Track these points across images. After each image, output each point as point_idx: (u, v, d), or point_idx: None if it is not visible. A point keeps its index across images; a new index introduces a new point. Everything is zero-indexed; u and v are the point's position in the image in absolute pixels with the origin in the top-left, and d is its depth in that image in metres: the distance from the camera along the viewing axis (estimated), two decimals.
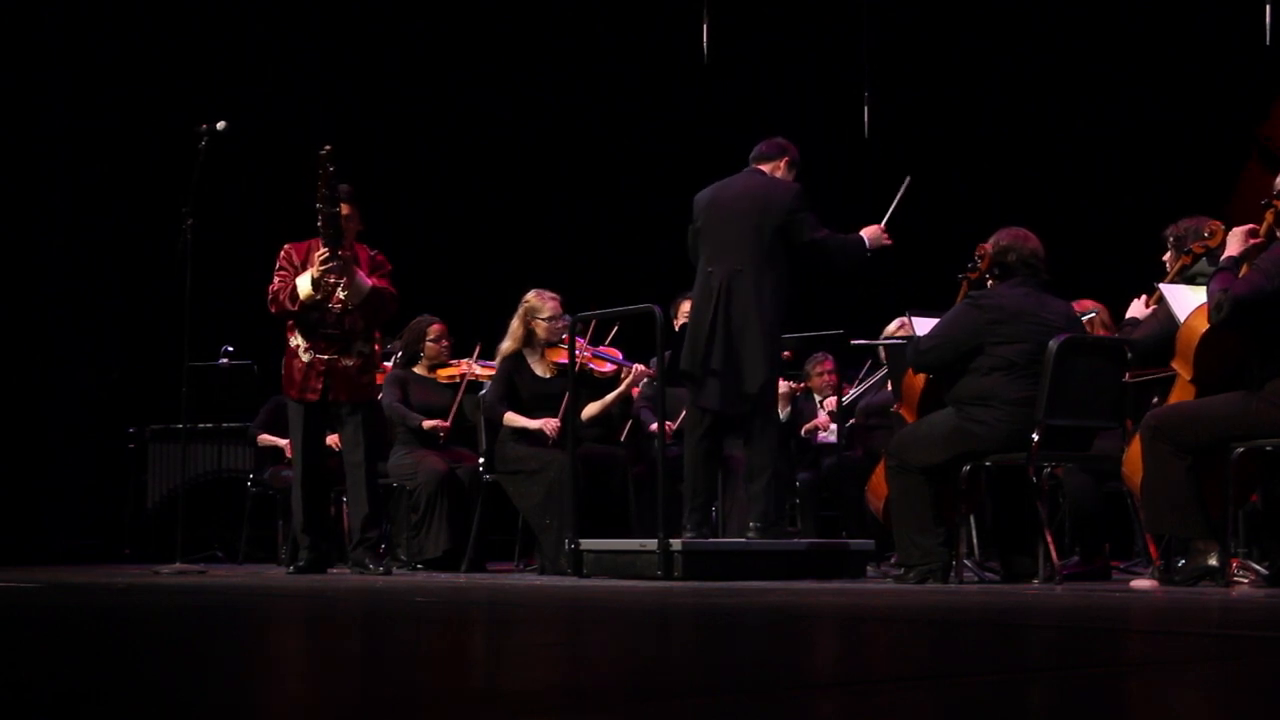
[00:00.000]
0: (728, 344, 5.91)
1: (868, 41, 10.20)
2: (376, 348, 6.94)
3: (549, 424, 6.78)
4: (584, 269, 9.28)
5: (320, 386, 6.49)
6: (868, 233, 6.13)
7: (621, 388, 6.97)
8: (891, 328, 7.18)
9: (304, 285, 6.41)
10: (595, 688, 2.03)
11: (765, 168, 6.17)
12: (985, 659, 2.52)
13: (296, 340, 6.53)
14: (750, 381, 5.89)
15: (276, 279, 6.51)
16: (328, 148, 6.25)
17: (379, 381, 7.01)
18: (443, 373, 7.51)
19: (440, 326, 7.55)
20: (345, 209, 6.40)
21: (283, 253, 6.56)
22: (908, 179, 6.22)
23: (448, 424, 7.33)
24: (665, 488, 5.88)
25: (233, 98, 8.43)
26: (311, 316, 6.48)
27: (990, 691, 1.98)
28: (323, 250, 6.37)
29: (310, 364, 6.50)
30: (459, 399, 7.38)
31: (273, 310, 6.52)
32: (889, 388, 7.19)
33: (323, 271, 6.37)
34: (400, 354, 7.61)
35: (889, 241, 6.14)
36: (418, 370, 7.53)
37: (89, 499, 9.34)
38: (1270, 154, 9.48)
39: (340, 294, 6.45)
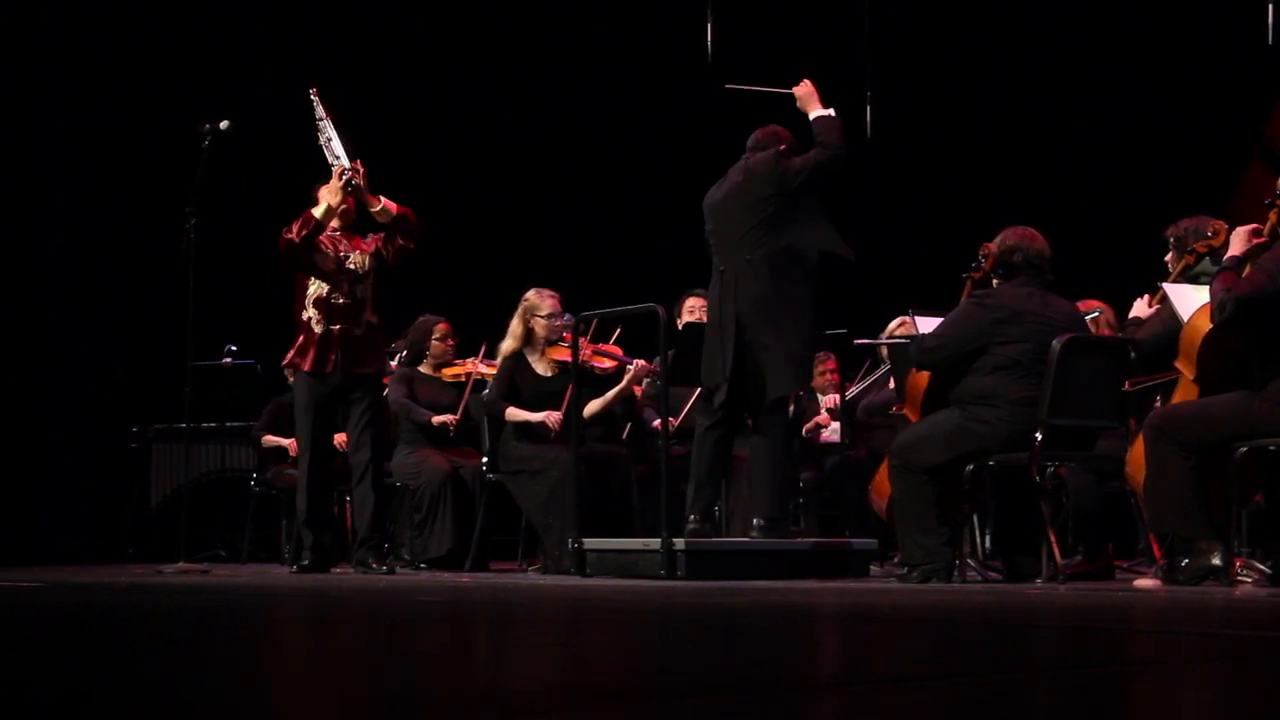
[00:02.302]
0: (755, 336, 5.87)
1: (869, 42, 10.19)
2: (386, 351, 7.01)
3: (551, 416, 6.79)
4: (584, 269, 9.27)
5: (334, 358, 6.53)
6: (807, 105, 6.07)
7: (623, 383, 6.97)
8: (892, 326, 7.18)
9: (321, 208, 6.51)
10: (597, 688, 2.03)
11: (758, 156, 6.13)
12: (988, 659, 2.52)
13: (308, 313, 6.57)
14: (786, 361, 5.87)
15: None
16: (313, 89, 6.52)
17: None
18: (448, 372, 7.51)
19: (446, 326, 7.56)
20: (361, 168, 6.54)
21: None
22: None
23: (457, 418, 7.33)
24: (668, 487, 5.88)
25: (233, 98, 8.42)
26: (325, 288, 6.53)
27: (993, 691, 1.97)
28: (336, 168, 6.49)
29: (324, 335, 6.53)
30: (466, 397, 7.38)
31: (287, 238, 6.48)
32: (889, 386, 7.20)
33: (342, 190, 6.50)
34: (405, 353, 7.61)
35: (810, 83, 6.09)
36: (423, 369, 7.53)
37: (91, 499, 9.34)
38: (1273, 154, 9.47)
39: (352, 264, 6.55)
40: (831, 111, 6.08)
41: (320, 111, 6.56)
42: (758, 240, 5.91)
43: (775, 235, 5.92)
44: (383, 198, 6.61)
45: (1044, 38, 10.10)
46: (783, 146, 6.05)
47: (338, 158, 6.54)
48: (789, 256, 5.93)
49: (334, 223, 6.59)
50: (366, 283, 6.60)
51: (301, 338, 6.59)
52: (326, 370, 6.54)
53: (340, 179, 6.52)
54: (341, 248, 6.59)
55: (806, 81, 6.14)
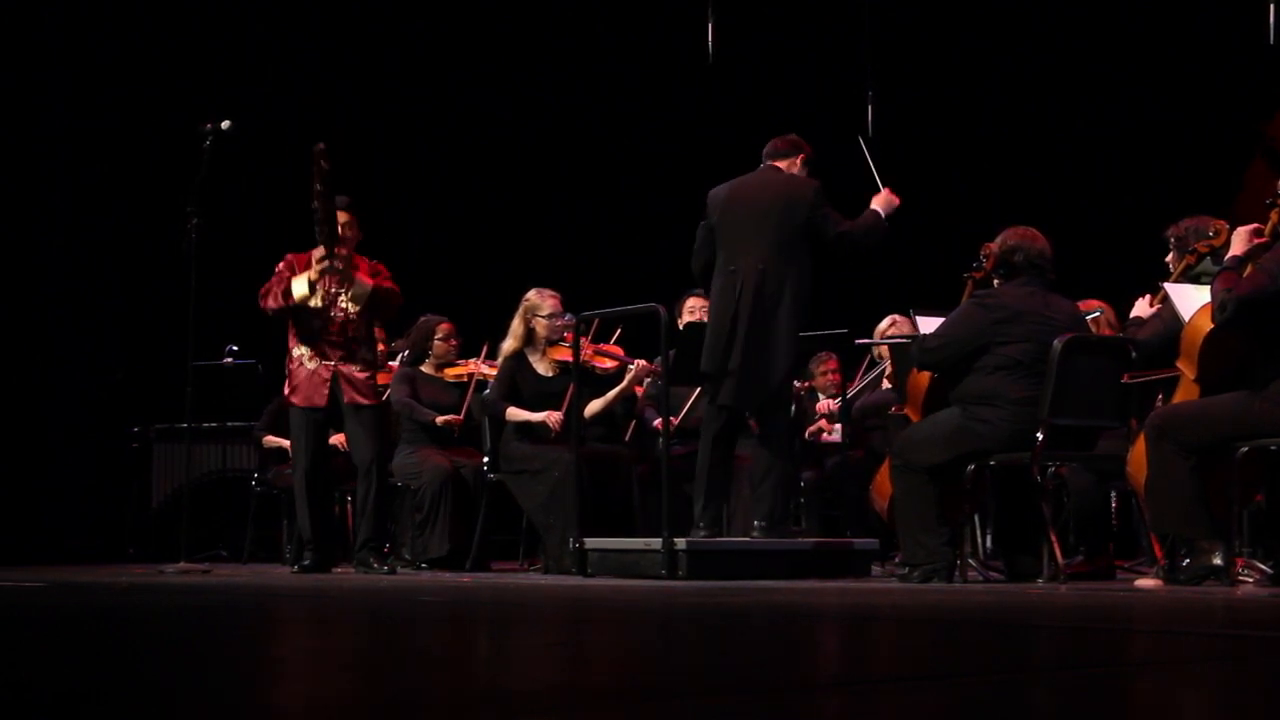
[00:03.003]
0: (750, 340, 5.88)
1: (869, 42, 10.19)
2: (381, 346, 6.98)
3: (552, 416, 6.79)
4: (585, 269, 9.28)
5: (328, 391, 6.51)
6: (878, 202, 6.09)
7: (624, 383, 6.98)
8: (883, 325, 7.18)
9: (299, 287, 6.45)
10: (597, 688, 2.03)
11: (781, 165, 6.14)
12: (989, 659, 2.51)
13: (300, 350, 6.55)
14: (771, 378, 5.88)
15: (272, 281, 6.53)
16: (321, 145, 6.27)
17: (382, 381, 7.03)
18: (450, 372, 7.51)
19: (449, 326, 7.56)
20: (344, 215, 6.46)
21: (283, 261, 6.58)
22: (861, 140, 6.25)
23: (460, 418, 7.33)
24: (669, 487, 5.87)
25: (233, 97, 8.42)
26: (314, 325, 6.50)
27: (994, 691, 1.97)
28: (319, 251, 6.39)
29: (316, 371, 6.51)
30: (469, 396, 7.38)
31: (261, 305, 6.53)
32: (884, 386, 7.19)
33: (320, 273, 6.39)
34: (407, 353, 7.61)
35: (899, 200, 6.10)
36: (425, 369, 7.53)
37: (92, 499, 9.35)
38: (1275, 154, 9.47)
39: (343, 303, 6.49)
40: (880, 208, 6.09)
41: (320, 174, 6.29)
42: (777, 253, 5.92)
43: (792, 254, 5.93)
44: (363, 273, 6.52)
45: (1044, 38, 10.10)
46: (803, 156, 6.12)
47: (328, 236, 6.40)
48: (799, 274, 5.94)
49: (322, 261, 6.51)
50: (360, 320, 6.56)
51: (294, 374, 6.57)
52: (318, 404, 6.53)
53: (318, 264, 6.43)
54: (333, 285, 6.51)
55: (894, 198, 6.12)
